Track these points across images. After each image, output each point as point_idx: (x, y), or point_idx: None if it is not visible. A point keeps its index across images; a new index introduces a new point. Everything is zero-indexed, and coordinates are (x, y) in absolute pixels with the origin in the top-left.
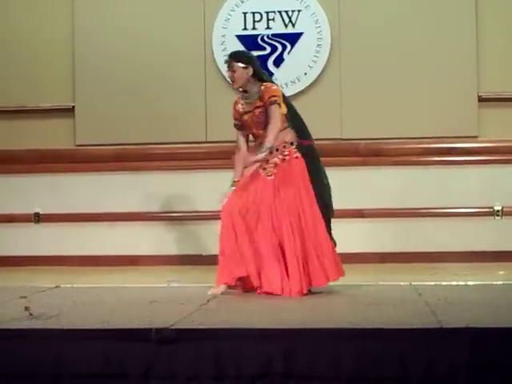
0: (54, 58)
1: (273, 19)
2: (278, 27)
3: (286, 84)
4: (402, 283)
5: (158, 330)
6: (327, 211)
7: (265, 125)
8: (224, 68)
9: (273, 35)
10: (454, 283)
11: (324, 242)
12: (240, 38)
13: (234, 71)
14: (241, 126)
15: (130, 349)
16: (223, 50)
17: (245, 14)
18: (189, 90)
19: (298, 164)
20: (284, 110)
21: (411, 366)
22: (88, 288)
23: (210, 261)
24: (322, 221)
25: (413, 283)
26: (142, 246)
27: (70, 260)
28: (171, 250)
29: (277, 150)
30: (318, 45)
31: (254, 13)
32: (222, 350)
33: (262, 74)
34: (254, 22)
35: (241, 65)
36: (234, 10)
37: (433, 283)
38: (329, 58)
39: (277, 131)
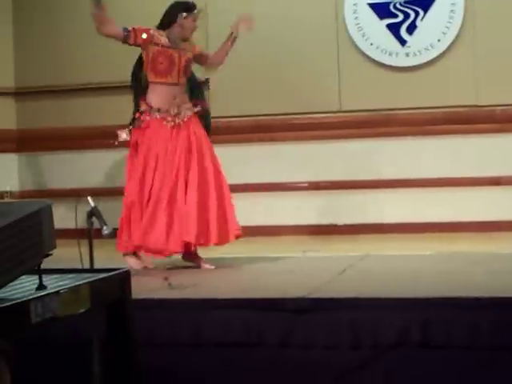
0: None
1: None
2: None
3: (419, 51)
4: None
5: (295, 300)
6: None
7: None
8: (355, 35)
9: (405, 2)
10: None
11: None
12: (372, 6)
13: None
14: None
15: (268, 318)
16: (355, 18)
17: None
18: (321, 60)
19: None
20: None
21: None
22: (225, 258)
23: (346, 230)
24: None
25: None
26: (279, 216)
27: None
28: (307, 219)
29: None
30: (451, 10)
31: None
32: (359, 320)
33: None
34: None
35: None
36: None
37: None
38: (463, 23)
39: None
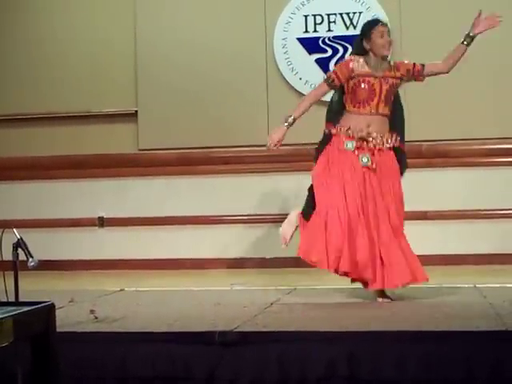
0: (117, 65)
1: (334, 21)
2: (339, 29)
3: None
4: (466, 285)
5: (222, 333)
6: None
7: (389, 99)
8: (284, 69)
9: (334, 37)
10: None
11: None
12: (301, 40)
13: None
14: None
15: (194, 352)
16: (284, 52)
17: (306, 16)
18: (251, 93)
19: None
20: None
21: (477, 369)
22: (152, 291)
23: (273, 264)
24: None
25: (477, 285)
26: (206, 249)
27: (134, 264)
28: (235, 253)
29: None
30: None
31: (315, 15)
32: (286, 353)
33: None
34: (316, 24)
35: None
36: (294, 13)
37: (497, 285)
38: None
39: None
